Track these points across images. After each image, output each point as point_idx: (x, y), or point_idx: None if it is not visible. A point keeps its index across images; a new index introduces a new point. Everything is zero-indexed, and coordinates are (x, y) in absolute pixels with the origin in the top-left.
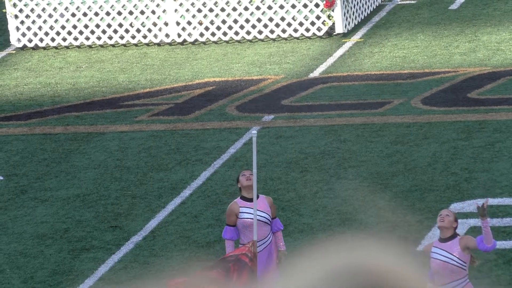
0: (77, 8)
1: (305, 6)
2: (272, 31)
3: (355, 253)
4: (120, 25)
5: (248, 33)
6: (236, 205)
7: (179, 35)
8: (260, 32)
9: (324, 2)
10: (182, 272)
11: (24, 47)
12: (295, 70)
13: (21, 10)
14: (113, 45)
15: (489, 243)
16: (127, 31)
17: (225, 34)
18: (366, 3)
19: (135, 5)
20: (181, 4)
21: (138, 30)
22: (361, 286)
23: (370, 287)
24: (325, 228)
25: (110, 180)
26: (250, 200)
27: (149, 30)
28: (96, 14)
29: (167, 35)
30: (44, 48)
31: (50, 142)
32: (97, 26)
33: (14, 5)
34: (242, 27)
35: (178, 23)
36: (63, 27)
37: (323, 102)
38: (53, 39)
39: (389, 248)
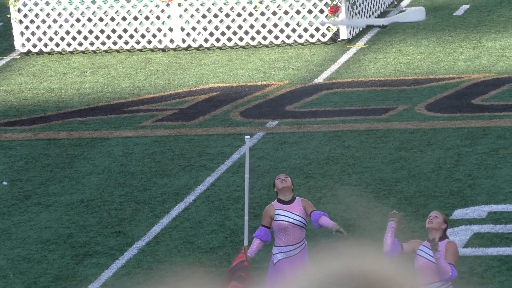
0: (82, 13)
1: (309, 12)
2: (276, 37)
3: (357, 259)
4: (125, 30)
5: (253, 39)
6: (272, 207)
7: (183, 41)
8: (264, 38)
9: (329, 8)
10: (186, 277)
11: (29, 52)
12: (300, 76)
13: (25, 16)
14: (117, 51)
15: (445, 276)
16: (131, 36)
17: (229, 40)
18: (370, 9)
19: (140, 10)
20: (185, 10)
21: (143, 36)
22: None
23: None
24: (329, 234)
25: (114, 186)
26: (286, 202)
27: (154, 36)
28: (101, 19)
29: (171, 41)
30: (48, 53)
31: (54, 147)
32: (102, 31)
33: (19, 10)
34: (246, 33)
35: (182, 29)
36: (67, 33)
37: (327, 108)
38: (57, 45)
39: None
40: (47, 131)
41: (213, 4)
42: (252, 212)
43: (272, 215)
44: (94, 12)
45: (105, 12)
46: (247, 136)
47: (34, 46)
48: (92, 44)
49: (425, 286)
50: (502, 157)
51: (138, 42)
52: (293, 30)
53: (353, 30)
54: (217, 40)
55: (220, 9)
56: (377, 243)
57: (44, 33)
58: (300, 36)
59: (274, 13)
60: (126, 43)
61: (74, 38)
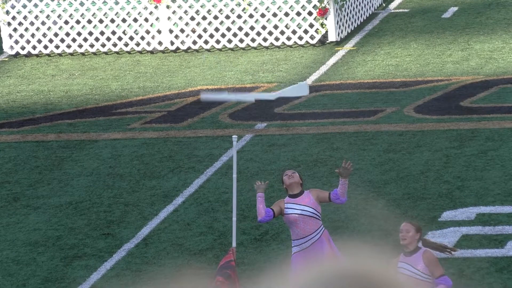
0: (70, 15)
1: (298, 14)
2: (265, 39)
3: (346, 259)
4: (113, 32)
5: (241, 41)
6: (283, 201)
7: (172, 43)
8: (253, 40)
9: (317, 10)
10: (175, 279)
11: (17, 54)
12: (288, 78)
13: (14, 18)
14: (106, 53)
15: None
16: (120, 38)
17: (218, 42)
18: (359, 11)
19: (128, 12)
20: (174, 12)
21: (131, 38)
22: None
23: None
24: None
25: (102, 188)
26: (294, 196)
27: (142, 38)
28: (89, 21)
29: (160, 43)
30: (37, 55)
31: (42, 149)
32: (90, 33)
33: (7, 12)
34: (235, 35)
35: (171, 31)
36: (56, 35)
37: (316, 110)
38: (46, 47)
39: (380, 255)
40: (36, 133)
41: (201, 6)
42: (241, 214)
43: (282, 206)
44: (82, 14)
45: (94, 14)
46: (234, 136)
47: (23, 48)
48: (80, 46)
49: None
50: (490, 159)
51: (126, 44)
52: (282, 32)
53: (342, 32)
54: (206, 42)
55: (208, 11)
56: (367, 245)
57: (33, 35)
58: (288, 38)
59: (263, 15)
60: (115, 45)
61: (62, 41)
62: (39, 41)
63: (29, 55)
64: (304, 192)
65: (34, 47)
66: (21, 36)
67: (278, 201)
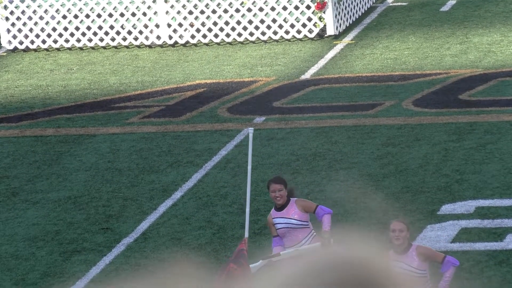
0: (68, 10)
1: (296, 8)
2: (263, 33)
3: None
4: (111, 27)
5: (240, 35)
6: (270, 216)
7: (170, 37)
8: (251, 34)
9: (316, 4)
10: (173, 275)
11: (15, 49)
12: (287, 72)
13: (12, 12)
14: (104, 47)
15: (451, 267)
16: (118, 33)
17: (216, 36)
18: (357, 5)
19: (126, 7)
20: (172, 6)
21: (129, 32)
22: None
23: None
24: (316, 230)
25: (101, 182)
26: (280, 209)
27: (140, 32)
28: (87, 16)
29: (158, 37)
30: (35, 50)
31: (41, 144)
32: (88, 28)
33: (5, 7)
34: (233, 29)
35: (169, 25)
36: (54, 29)
37: (314, 104)
38: (44, 41)
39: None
40: (34, 128)
41: (199, 1)
42: (240, 208)
43: (273, 223)
44: (80, 8)
45: (92, 8)
46: (250, 128)
47: (21, 43)
48: (78, 40)
49: None
50: (489, 152)
51: (124, 39)
52: (280, 26)
53: (340, 26)
54: (204, 36)
55: (206, 5)
56: (366, 237)
57: (31, 30)
58: (287, 32)
59: (261, 9)
60: (113, 39)
61: (60, 35)
62: (37, 36)
63: (27, 49)
64: (290, 202)
65: (32, 42)
66: (19, 30)
67: (268, 222)
